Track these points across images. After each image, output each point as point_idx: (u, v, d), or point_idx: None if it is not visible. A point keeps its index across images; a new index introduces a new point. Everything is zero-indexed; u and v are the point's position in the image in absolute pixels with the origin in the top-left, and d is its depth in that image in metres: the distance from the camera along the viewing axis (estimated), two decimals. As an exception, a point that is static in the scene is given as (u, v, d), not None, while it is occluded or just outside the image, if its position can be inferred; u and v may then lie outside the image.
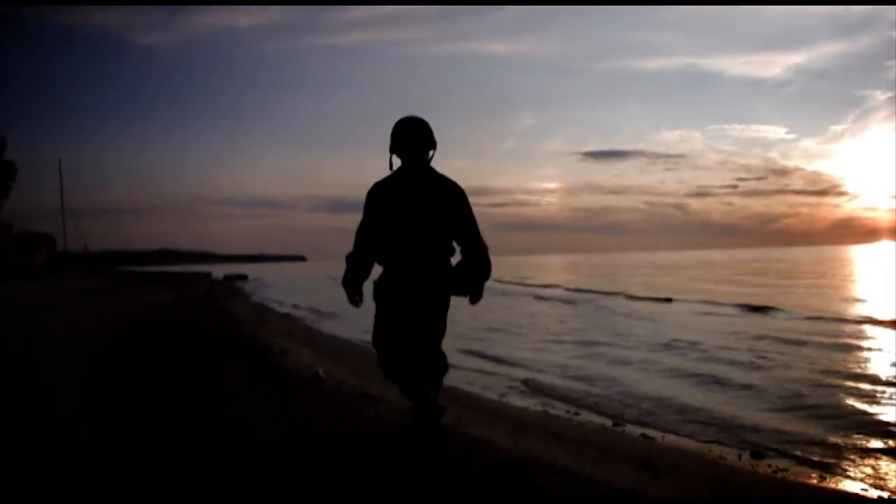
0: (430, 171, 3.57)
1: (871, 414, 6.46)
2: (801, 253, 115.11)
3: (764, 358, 9.76)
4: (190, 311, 13.74)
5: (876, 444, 5.42)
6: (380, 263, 3.63)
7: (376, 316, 3.62)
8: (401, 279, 3.52)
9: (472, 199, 3.65)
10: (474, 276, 3.55)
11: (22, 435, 3.85)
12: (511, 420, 5.77)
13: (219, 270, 63.83)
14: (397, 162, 3.57)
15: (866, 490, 4.34)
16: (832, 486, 4.47)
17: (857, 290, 24.47)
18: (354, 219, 3.80)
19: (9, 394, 4.98)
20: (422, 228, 3.49)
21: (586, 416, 6.44)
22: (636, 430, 5.86)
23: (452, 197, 3.54)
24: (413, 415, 3.61)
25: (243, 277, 53.57)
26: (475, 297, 3.60)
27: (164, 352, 6.82)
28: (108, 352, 6.89)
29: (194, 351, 7.01)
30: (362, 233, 3.61)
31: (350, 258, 3.62)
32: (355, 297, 3.64)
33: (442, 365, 3.66)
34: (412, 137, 3.51)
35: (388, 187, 3.56)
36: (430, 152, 3.57)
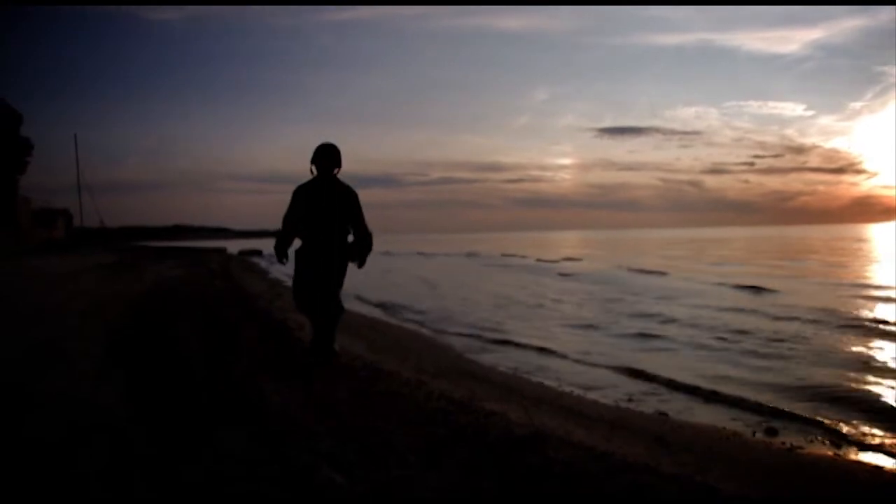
0: (336, 180, 5.31)
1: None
2: (811, 231, 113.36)
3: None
4: (206, 285, 13.86)
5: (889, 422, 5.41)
6: (299, 238, 5.30)
7: (295, 271, 5.34)
8: (312, 249, 5.23)
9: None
10: (361, 251, 5.33)
11: (48, 395, 3.91)
12: (525, 395, 5.80)
13: (233, 246, 64.12)
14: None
15: (881, 467, 4.33)
16: (849, 460, 4.46)
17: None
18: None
19: (36, 360, 5.06)
20: (327, 217, 5.17)
21: (597, 393, 6.47)
22: (650, 407, 5.86)
23: (349, 198, 5.26)
24: (314, 328, 5.42)
25: (258, 253, 53.74)
26: (361, 264, 5.39)
27: (183, 324, 6.89)
28: (126, 327, 6.96)
29: (211, 325, 7.08)
30: (288, 218, 5.31)
31: (278, 234, 5.35)
32: (282, 259, 5.34)
33: (339, 308, 5.41)
34: (326, 159, 5.24)
35: (307, 188, 5.28)
36: (336, 169, 5.29)
